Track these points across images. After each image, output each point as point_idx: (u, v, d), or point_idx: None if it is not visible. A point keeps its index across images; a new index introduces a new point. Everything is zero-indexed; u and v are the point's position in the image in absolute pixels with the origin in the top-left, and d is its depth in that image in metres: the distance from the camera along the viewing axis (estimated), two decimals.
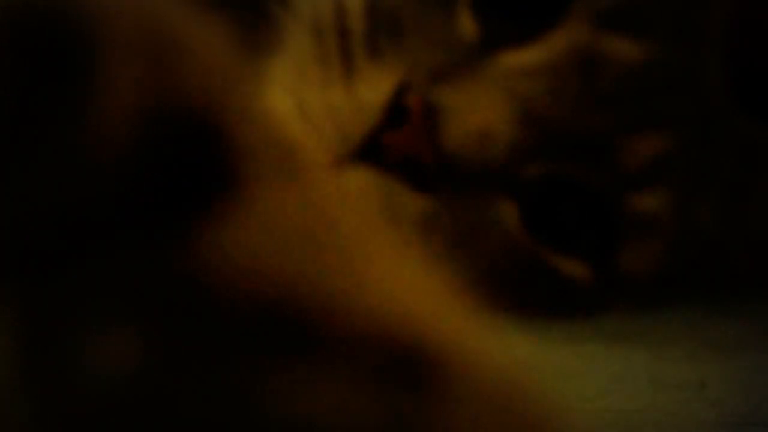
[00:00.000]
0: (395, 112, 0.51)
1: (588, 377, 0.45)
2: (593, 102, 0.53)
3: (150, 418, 0.16)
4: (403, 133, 0.51)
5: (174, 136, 0.18)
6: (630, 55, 0.53)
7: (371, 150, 0.51)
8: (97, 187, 0.17)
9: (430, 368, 0.17)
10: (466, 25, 0.53)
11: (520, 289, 0.54)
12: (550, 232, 0.54)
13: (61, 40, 0.18)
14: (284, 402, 0.16)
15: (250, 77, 0.20)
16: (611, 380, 0.44)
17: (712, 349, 0.50)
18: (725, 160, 0.57)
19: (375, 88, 0.51)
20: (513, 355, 0.19)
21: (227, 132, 0.18)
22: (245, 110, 0.19)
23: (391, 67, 0.52)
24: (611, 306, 0.56)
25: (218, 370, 0.16)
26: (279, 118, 0.19)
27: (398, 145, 0.51)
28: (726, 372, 0.46)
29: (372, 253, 0.19)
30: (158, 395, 0.16)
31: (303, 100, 0.52)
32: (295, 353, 0.17)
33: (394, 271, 0.19)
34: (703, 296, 0.59)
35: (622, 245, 0.55)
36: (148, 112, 0.18)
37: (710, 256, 0.58)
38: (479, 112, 0.52)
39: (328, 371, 0.17)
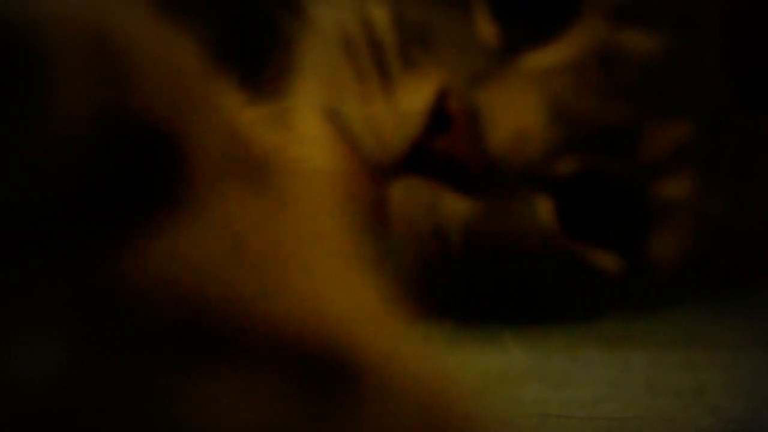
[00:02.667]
0: (437, 118, 0.52)
1: (585, 383, 0.44)
2: (617, 94, 0.54)
3: (67, 424, 0.16)
4: (448, 139, 0.52)
5: (124, 144, 0.18)
6: (646, 47, 0.55)
7: (416, 158, 0.52)
8: (40, 189, 0.17)
9: (350, 377, 0.17)
10: (486, 30, 0.54)
11: (557, 285, 0.55)
12: (582, 227, 0.56)
13: (10, 48, 0.18)
14: (204, 411, 0.16)
15: (213, 88, 0.20)
16: (609, 386, 0.44)
17: (711, 355, 0.50)
18: (731, 147, 0.58)
19: (414, 97, 0.52)
20: (437, 366, 0.19)
21: (181, 142, 0.18)
22: (203, 121, 0.19)
23: (426, 76, 0.52)
24: (641, 299, 0.57)
25: (138, 378, 0.16)
26: (250, 130, 0.19)
27: (444, 151, 0.52)
28: (725, 378, 0.46)
29: (311, 265, 0.19)
30: (77, 402, 0.16)
31: (340, 116, 0.53)
32: (216, 362, 0.17)
33: (328, 281, 0.19)
34: (711, 292, 0.59)
35: (650, 234, 0.56)
36: (98, 119, 0.18)
37: (721, 244, 0.59)
38: (515, 113, 0.53)
39: (248, 380, 0.17)
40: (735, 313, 0.59)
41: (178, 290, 0.17)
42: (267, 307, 0.17)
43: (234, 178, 0.19)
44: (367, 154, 0.52)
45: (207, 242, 0.18)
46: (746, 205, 0.60)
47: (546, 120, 0.53)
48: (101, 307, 0.17)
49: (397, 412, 0.17)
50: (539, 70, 0.54)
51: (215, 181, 0.18)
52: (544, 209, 0.54)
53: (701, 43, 0.58)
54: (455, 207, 0.52)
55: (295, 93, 0.54)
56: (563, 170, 0.54)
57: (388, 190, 0.52)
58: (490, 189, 0.53)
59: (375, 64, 0.53)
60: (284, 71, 0.55)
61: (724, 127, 0.58)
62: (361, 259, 0.20)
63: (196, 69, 0.20)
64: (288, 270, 0.18)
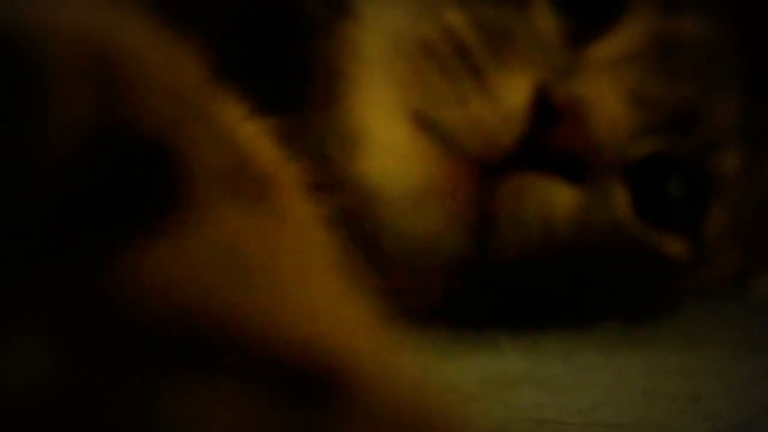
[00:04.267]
0: (542, 112, 0.52)
1: (582, 389, 0.44)
2: (678, 77, 0.57)
3: (53, 425, 0.16)
4: (560, 131, 0.53)
5: (121, 156, 0.18)
6: (695, 31, 0.58)
7: (525, 153, 0.52)
8: (37, 199, 0.17)
9: (337, 388, 0.17)
10: (547, 24, 0.56)
11: (629, 272, 0.56)
12: (653, 213, 0.57)
13: (11, 60, 0.18)
14: (192, 422, 0.16)
15: (213, 101, 0.20)
16: (606, 393, 0.44)
17: (707, 361, 0.50)
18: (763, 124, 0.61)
19: (512, 93, 0.52)
20: (428, 378, 0.19)
21: (178, 154, 0.18)
22: (201, 134, 0.19)
23: (517, 72, 0.53)
24: (702, 282, 0.59)
25: (128, 388, 0.17)
26: (253, 144, 0.20)
27: (555, 143, 0.53)
28: (720, 384, 0.46)
29: (304, 280, 0.19)
30: (64, 404, 0.16)
31: (433, 120, 0.52)
32: (207, 374, 0.17)
33: (321, 296, 0.19)
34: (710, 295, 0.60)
35: (709, 214, 0.58)
36: (95, 131, 0.18)
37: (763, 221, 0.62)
38: (604, 102, 0.54)
39: (237, 392, 0.17)
40: (731, 319, 0.59)
41: (170, 302, 0.17)
42: (259, 320, 0.17)
43: (232, 193, 0.19)
44: (473, 154, 0.52)
45: (201, 255, 0.18)
46: None
47: (628, 106, 0.55)
48: (95, 316, 0.17)
49: (386, 425, 0.17)
50: (611, 59, 0.55)
51: (212, 195, 0.18)
52: (619, 194, 0.55)
53: (727, 27, 0.60)
54: (563, 200, 0.53)
55: (363, 103, 0.54)
56: (639, 154, 0.56)
57: (496, 189, 0.52)
58: (591, 179, 0.54)
59: (464, 66, 0.53)
60: (330, 81, 0.55)
61: (753, 103, 0.61)
62: (353, 274, 0.20)
63: (196, 82, 0.20)
64: (281, 284, 0.18)
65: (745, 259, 0.64)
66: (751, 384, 0.47)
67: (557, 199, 0.53)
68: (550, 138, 0.52)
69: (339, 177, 0.53)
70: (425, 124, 0.53)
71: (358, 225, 0.54)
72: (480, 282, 0.54)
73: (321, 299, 0.19)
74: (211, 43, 0.24)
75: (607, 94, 0.54)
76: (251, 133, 0.23)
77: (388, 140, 0.53)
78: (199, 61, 0.20)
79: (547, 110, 0.52)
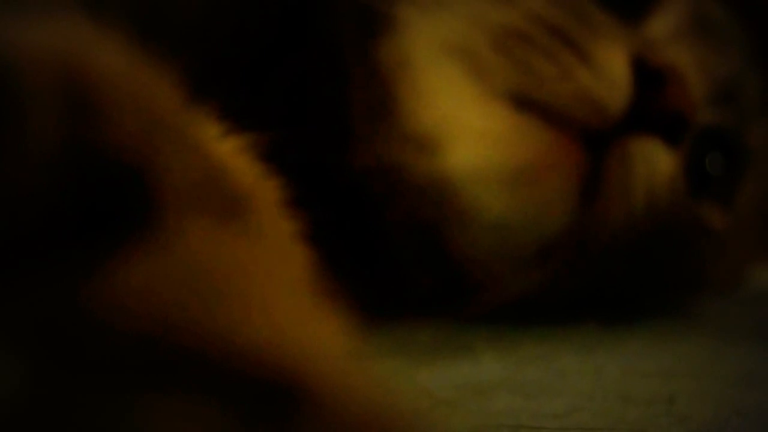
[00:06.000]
0: (646, 78, 0.54)
1: (558, 394, 0.45)
2: (718, 54, 0.59)
3: None
4: (667, 94, 0.55)
5: (93, 175, 0.18)
6: (722, 13, 0.61)
7: (633, 118, 0.54)
8: (8, 219, 0.18)
9: (300, 402, 0.18)
10: (591, 7, 0.56)
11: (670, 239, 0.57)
12: (698, 182, 0.59)
13: None
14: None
15: (188, 122, 0.20)
16: (581, 396, 0.44)
17: (682, 364, 0.50)
18: None
19: (614, 62, 0.54)
20: (392, 389, 0.19)
21: (149, 174, 0.19)
22: (173, 154, 0.19)
23: (611, 42, 0.55)
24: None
25: (92, 400, 0.17)
26: (230, 161, 0.20)
27: (662, 107, 0.55)
28: (695, 387, 0.46)
29: (270, 294, 0.19)
30: (31, 420, 0.17)
31: (540, 98, 0.53)
32: (169, 386, 0.17)
33: (285, 311, 0.19)
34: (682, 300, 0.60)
35: (741, 188, 0.60)
36: (67, 151, 0.18)
37: None
38: (689, 68, 0.57)
39: (199, 403, 0.17)
40: (706, 323, 0.59)
41: (138, 319, 0.17)
42: (224, 336, 0.18)
43: (204, 211, 0.19)
44: (583, 126, 0.53)
45: (170, 273, 0.18)
46: None
47: (699, 77, 0.58)
48: (64, 332, 0.17)
49: None
50: (667, 35, 0.58)
51: (183, 213, 0.19)
52: (677, 162, 0.57)
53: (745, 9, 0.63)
54: (664, 164, 0.55)
55: (439, 98, 0.54)
56: (699, 124, 0.58)
57: (604, 158, 0.54)
58: (686, 142, 0.57)
59: (561, 43, 0.54)
60: (380, 92, 0.55)
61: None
62: (322, 289, 0.20)
63: (170, 103, 0.20)
64: (249, 301, 0.18)
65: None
66: (725, 386, 0.47)
67: (659, 163, 0.55)
68: (655, 102, 0.54)
69: (413, 181, 0.54)
70: (527, 103, 0.53)
71: (438, 226, 0.54)
72: (577, 267, 0.55)
73: (288, 315, 0.19)
74: (189, 62, 0.24)
75: (684, 64, 0.57)
76: (228, 151, 0.24)
77: (479, 127, 0.53)
78: (173, 82, 0.20)
79: (647, 76, 0.54)
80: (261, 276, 0.19)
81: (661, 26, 0.58)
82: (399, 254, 0.55)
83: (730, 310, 0.62)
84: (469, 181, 0.53)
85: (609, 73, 0.53)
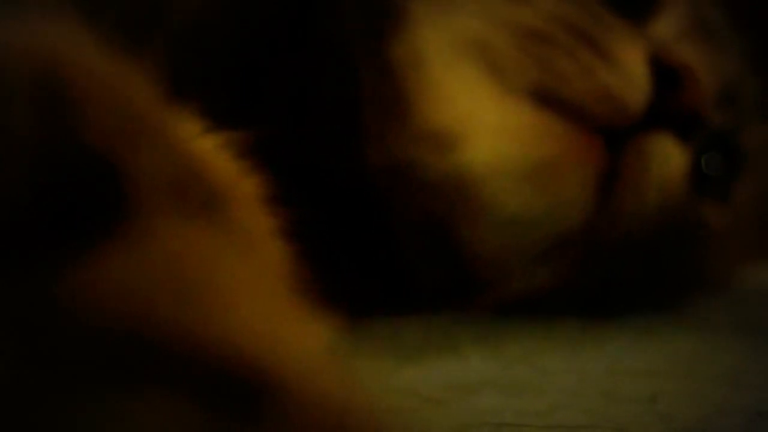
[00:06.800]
0: (664, 76, 0.55)
1: (542, 392, 0.45)
2: (720, 56, 0.60)
3: None
4: (684, 92, 0.56)
5: (67, 170, 0.18)
6: (720, 17, 0.62)
7: (651, 115, 0.55)
8: None
9: (269, 397, 0.18)
10: (602, 9, 0.57)
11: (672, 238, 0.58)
12: (698, 180, 0.60)
13: None
14: (117, 427, 0.17)
15: (166, 118, 0.20)
16: (565, 394, 0.45)
17: (665, 363, 0.51)
18: None
19: (633, 61, 0.55)
20: (361, 386, 0.19)
21: (124, 168, 0.19)
22: (149, 149, 0.19)
23: (629, 41, 0.56)
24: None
25: (63, 396, 0.17)
26: (210, 158, 0.20)
27: (678, 104, 0.56)
28: (678, 386, 0.46)
29: (244, 289, 0.19)
30: (2, 415, 0.17)
31: (557, 94, 0.54)
32: (139, 382, 0.17)
33: (258, 306, 0.19)
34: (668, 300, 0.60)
35: (737, 189, 0.60)
36: (42, 145, 0.18)
37: None
38: (700, 69, 0.57)
39: (165, 397, 0.17)
40: (691, 321, 0.59)
41: (108, 313, 0.18)
42: (194, 330, 0.18)
43: (180, 206, 0.19)
44: (603, 122, 0.54)
45: (142, 269, 0.18)
46: None
47: (713, 77, 0.59)
48: (35, 326, 0.18)
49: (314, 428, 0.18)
50: (672, 36, 0.59)
51: (158, 209, 0.19)
52: (685, 159, 0.57)
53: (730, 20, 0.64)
54: (677, 159, 0.56)
55: (455, 96, 0.55)
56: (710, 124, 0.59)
57: (622, 154, 0.54)
58: (697, 139, 0.58)
59: (582, 42, 0.55)
60: (392, 91, 0.55)
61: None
62: (300, 285, 0.20)
63: (147, 99, 0.20)
64: (221, 295, 0.19)
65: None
66: (709, 385, 0.47)
67: (673, 160, 0.56)
68: (671, 100, 0.55)
69: (427, 178, 0.54)
70: (547, 99, 0.54)
71: (451, 222, 0.54)
72: (588, 263, 0.55)
73: (259, 311, 0.19)
74: (171, 61, 0.25)
75: (697, 63, 0.57)
76: (208, 149, 0.24)
77: (498, 123, 0.54)
78: (151, 79, 0.21)
79: (663, 75, 0.55)
80: (233, 272, 0.19)
81: (665, 28, 0.59)
82: (409, 251, 0.56)
83: (716, 308, 0.63)
84: (487, 176, 0.53)
85: (629, 71, 0.54)
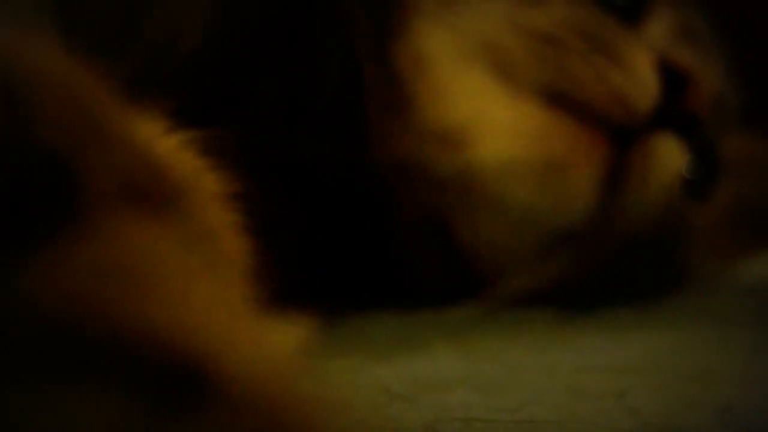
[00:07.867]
0: (670, 79, 0.57)
1: (511, 388, 0.45)
2: (706, 62, 0.61)
3: None
4: (688, 96, 0.57)
5: (18, 168, 0.18)
6: (701, 25, 0.63)
7: (658, 117, 0.56)
8: None
9: (208, 388, 0.18)
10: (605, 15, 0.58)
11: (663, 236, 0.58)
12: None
13: None
14: (59, 421, 0.17)
15: (123, 117, 0.21)
16: (534, 391, 0.45)
17: (635, 359, 0.51)
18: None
19: (641, 64, 0.56)
20: (291, 371, 0.19)
21: (75, 166, 0.19)
22: (101, 147, 0.19)
23: (636, 45, 0.57)
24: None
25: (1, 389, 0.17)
26: (169, 157, 0.20)
27: (683, 105, 0.57)
28: (645, 381, 0.47)
29: (195, 285, 0.19)
30: None
31: (569, 96, 0.55)
32: (77, 374, 0.17)
33: (200, 297, 0.19)
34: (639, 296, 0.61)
35: (714, 193, 0.63)
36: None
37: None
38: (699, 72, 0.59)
39: (108, 390, 0.17)
40: (658, 317, 0.60)
41: (53, 309, 0.18)
42: (132, 322, 0.18)
43: (132, 203, 0.19)
44: (613, 123, 0.55)
45: (88, 264, 0.18)
46: None
47: (708, 79, 0.60)
48: None
49: (254, 423, 0.18)
50: (668, 38, 0.60)
51: (109, 206, 0.19)
52: (684, 158, 0.59)
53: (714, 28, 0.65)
54: (679, 158, 0.57)
55: (464, 96, 0.55)
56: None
57: (629, 153, 0.56)
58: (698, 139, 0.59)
59: (594, 46, 0.56)
60: (397, 92, 0.55)
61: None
62: (259, 281, 0.20)
63: (102, 100, 0.20)
64: (169, 291, 0.19)
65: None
66: (678, 380, 0.47)
67: (675, 159, 0.57)
68: (677, 102, 0.57)
69: (434, 175, 0.54)
70: (558, 99, 0.54)
71: (456, 219, 0.55)
72: (589, 258, 0.56)
73: (209, 302, 0.19)
74: (131, 61, 0.25)
75: (697, 65, 0.59)
76: (169, 147, 0.24)
77: (508, 121, 0.55)
78: (107, 79, 0.21)
79: (668, 77, 0.56)
80: (182, 266, 0.19)
81: (657, 34, 0.60)
82: (412, 247, 0.56)
83: (686, 303, 0.63)
84: (496, 174, 0.54)
85: (640, 75, 0.56)
